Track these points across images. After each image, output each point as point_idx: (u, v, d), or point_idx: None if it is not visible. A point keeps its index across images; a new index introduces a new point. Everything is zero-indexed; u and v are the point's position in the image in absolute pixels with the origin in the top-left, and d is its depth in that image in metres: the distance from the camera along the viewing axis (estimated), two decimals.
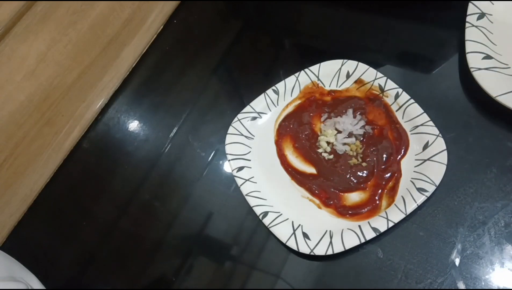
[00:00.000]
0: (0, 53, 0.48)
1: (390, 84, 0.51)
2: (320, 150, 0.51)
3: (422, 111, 0.48)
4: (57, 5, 0.52)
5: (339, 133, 0.51)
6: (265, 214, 0.47)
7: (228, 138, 0.52)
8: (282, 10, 0.63)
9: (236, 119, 0.53)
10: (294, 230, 0.46)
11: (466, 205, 0.45)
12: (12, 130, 0.52)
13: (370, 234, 0.43)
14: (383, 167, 0.48)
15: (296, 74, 0.54)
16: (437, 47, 0.55)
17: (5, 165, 0.53)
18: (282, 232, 0.46)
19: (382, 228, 0.43)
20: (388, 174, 0.47)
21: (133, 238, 0.52)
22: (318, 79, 0.53)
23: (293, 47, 0.63)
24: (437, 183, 0.44)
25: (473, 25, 0.51)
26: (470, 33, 0.50)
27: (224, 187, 0.52)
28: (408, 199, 0.44)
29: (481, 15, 0.51)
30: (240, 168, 0.50)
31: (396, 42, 0.54)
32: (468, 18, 0.51)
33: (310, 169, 0.50)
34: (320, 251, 0.44)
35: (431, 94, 0.51)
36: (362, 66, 0.52)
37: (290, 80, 0.54)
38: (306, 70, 0.54)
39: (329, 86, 0.54)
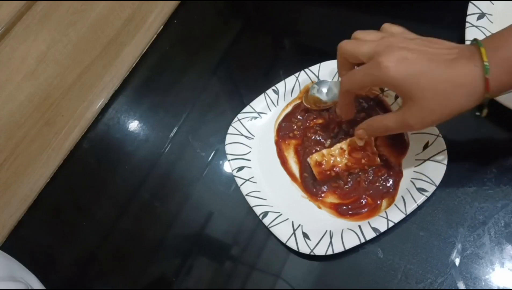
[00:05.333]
0: (0, 53, 0.48)
1: None
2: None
3: None
4: (57, 5, 0.52)
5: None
6: (265, 214, 0.47)
7: (228, 138, 0.52)
8: (282, 10, 0.63)
9: (236, 119, 0.53)
10: (294, 230, 0.46)
11: (466, 205, 0.45)
12: (12, 130, 0.52)
13: (370, 234, 0.43)
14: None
15: (296, 74, 0.54)
16: None
17: (5, 165, 0.53)
18: (282, 232, 0.46)
19: (382, 228, 0.43)
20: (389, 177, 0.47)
21: (133, 238, 0.52)
22: (318, 79, 0.53)
23: (293, 47, 0.63)
24: (437, 183, 0.44)
25: (473, 25, 0.51)
26: (470, 33, 0.50)
27: (224, 187, 0.52)
28: (408, 199, 0.44)
29: (481, 15, 0.51)
30: (240, 168, 0.50)
31: None
32: (468, 18, 0.51)
33: None
34: (320, 251, 0.44)
35: None
36: None
37: (290, 80, 0.54)
38: (306, 70, 0.54)
39: None
